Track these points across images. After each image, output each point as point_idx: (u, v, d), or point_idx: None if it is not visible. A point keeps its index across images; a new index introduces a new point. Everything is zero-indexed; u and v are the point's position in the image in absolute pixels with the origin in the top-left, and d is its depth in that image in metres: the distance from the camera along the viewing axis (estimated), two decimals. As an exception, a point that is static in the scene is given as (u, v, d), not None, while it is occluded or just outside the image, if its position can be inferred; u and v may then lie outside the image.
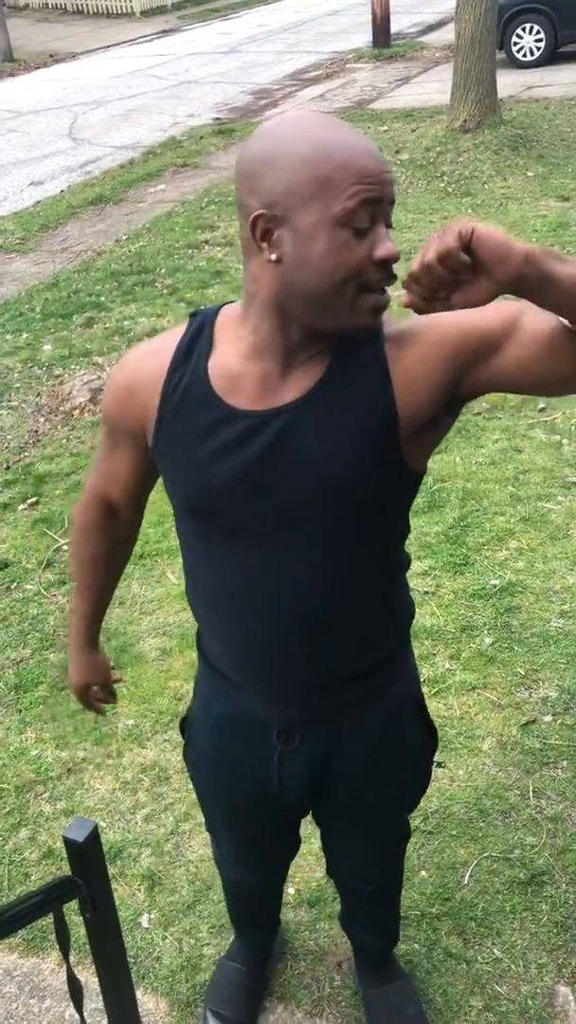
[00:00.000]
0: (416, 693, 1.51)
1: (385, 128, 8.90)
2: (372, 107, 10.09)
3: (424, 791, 1.62)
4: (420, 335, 1.15)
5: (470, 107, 7.88)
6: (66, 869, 2.30)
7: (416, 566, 3.17)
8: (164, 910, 2.19)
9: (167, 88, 12.72)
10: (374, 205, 1.06)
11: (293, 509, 1.16)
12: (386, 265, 1.08)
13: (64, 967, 2.09)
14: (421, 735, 1.53)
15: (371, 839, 1.62)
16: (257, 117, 10.46)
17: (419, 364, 1.14)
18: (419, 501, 3.48)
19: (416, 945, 2.04)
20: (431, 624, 2.90)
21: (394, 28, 13.26)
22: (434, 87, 10.09)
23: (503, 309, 1.11)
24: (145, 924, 2.17)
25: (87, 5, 20.87)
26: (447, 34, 11.76)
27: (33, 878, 2.31)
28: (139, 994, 1.93)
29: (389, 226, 1.10)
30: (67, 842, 1.13)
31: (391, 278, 1.10)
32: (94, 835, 1.13)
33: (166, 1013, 1.99)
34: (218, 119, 10.63)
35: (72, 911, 1.55)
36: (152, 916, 2.18)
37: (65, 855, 2.34)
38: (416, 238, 6.17)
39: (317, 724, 1.39)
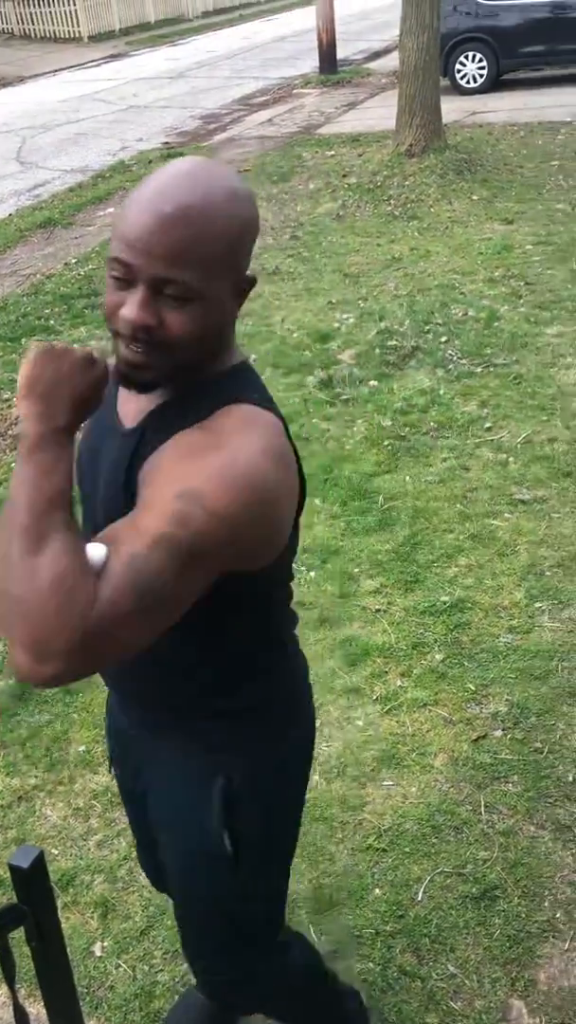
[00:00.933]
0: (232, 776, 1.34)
1: (332, 153, 9.02)
2: (320, 132, 10.22)
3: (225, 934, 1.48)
4: (183, 438, 1.11)
5: (415, 132, 8.02)
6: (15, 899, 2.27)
7: (368, 584, 3.19)
8: (117, 937, 2.16)
9: (115, 112, 12.76)
10: (126, 267, 1.08)
11: None
12: (127, 324, 1.09)
13: (9, 999, 2.06)
14: (216, 824, 1.34)
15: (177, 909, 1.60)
16: (206, 141, 10.54)
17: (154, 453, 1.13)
18: (370, 520, 3.51)
19: (371, 964, 2.04)
20: (383, 642, 2.92)
21: (340, 55, 13.47)
22: (380, 112, 10.25)
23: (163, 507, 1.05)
24: (98, 952, 2.14)
25: (34, 30, 20.88)
26: (392, 61, 11.97)
27: (-17, 909, 2.27)
28: (92, 1024, 1.91)
29: (173, 296, 1.08)
30: (12, 869, 1.12)
31: (131, 340, 1.10)
32: (39, 861, 1.12)
33: (120, 1042, 1.96)
34: (167, 143, 10.69)
35: (18, 941, 1.53)
36: (105, 944, 2.15)
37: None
38: (364, 260, 6.26)
39: None
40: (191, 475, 1.04)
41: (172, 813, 1.42)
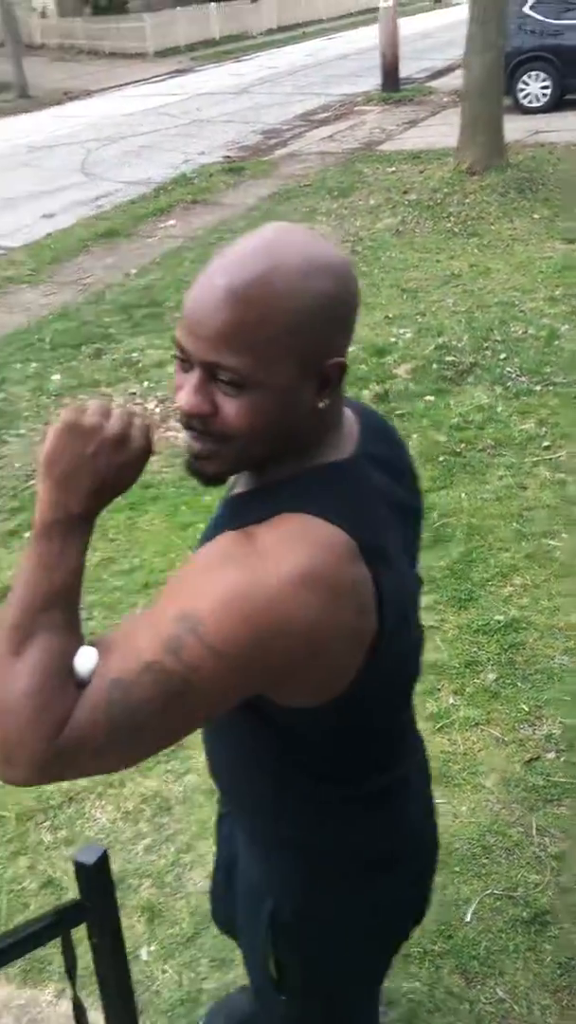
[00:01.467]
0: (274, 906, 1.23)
1: (393, 169, 9.04)
2: (380, 148, 10.25)
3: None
4: (220, 540, 0.98)
5: (477, 150, 8.01)
6: (66, 899, 2.29)
7: (422, 600, 3.17)
8: (164, 942, 2.17)
9: (179, 126, 12.94)
10: (181, 348, 0.99)
11: None
12: (180, 410, 0.99)
13: (61, 996, 2.07)
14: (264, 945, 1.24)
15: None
16: (267, 156, 10.63)
17: None
18: (424, 536, 3.49)
19: (418, 983, 2.02)
20: (435, 659, 2.90)
21: (403, 73, 13.51)
22: (442, 130, 10.26)
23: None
24: (144, 956, 2.15)
25: (102, 46, 21.29)
26: (455, 80, 11.98)
27: (32, 907, 2.29)
28: (138, 1027, 1.91)
29: (226, 381, 0.96)
30: (77, 865, 1.13)
31: (187, 427, 1.01)
32: (104, 859, 1.13)
33: (164, 1048, 1.96)
34: (228, 157, 10.81)
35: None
36: (152, 948, 2.16)
37: (64, 885, 2.33)
38: (423, 276, 6.25)
39: None
40: (200, 593, 0.91)
41: (243, 897, 1.32)
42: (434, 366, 4.85)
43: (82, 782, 2.61)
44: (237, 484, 1.10)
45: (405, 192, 8.13)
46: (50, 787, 2.61)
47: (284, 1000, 1.26)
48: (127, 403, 4.72)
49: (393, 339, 5.26)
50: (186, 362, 0.99)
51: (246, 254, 0.96)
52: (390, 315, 5.62)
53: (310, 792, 1.14)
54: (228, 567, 0.92)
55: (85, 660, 0.90)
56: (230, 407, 0.96)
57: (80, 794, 2.59)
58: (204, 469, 1.02)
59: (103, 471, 0.96)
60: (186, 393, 0.97)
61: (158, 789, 2.58)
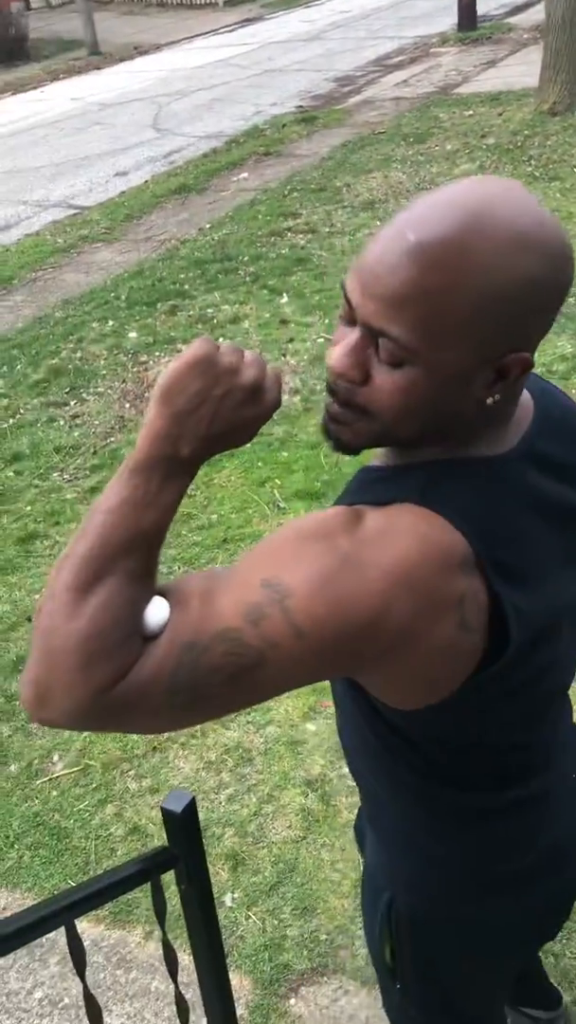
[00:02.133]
0: (391, 898, 1.19)
1: (470, 112, 8.75)
2: (457, 91, 9.92)
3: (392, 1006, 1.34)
4: (334, 511, 0.91)
5: (559, 89, 7.69)
6: (151, 846, 2.34)
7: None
8: (247, 890, 2.21)
9: (249, 77, 12.74)
10: (347, 303, 0.89)
11: None
12: (328, 369, 0.90)
13: (148, 937, 2.12)
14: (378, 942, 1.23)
15: None
16: (340, 104, 10.40)
17: None
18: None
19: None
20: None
21: (480, 10, 13.00)
22: (521, 70, 9.86)
23: None
24: (228, 903, 2.19)
25: (171, -3, 21.02)
26: (536, 15, 11.50)
27: (119, 853, 2.35)
28: (223, 970, 1.95)
29: (387, 351, 0.85)
30: (165, 813, 1.14)
31: (330, 389, 0.91)
32: (191, 807, 1.14)
33: (250, 991, 2.01)
34: (301, 107, 10.61)
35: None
36: (235, 895, 2.20)
37: (150, 832, 2.38)
38: (502, 223, 6.06)
39: None
40: (293, 566, 0.83)
41: (367, 875, 1.30)
42: (515, 315, 4.72)
43: (165, 733, 2.66)
44: (378, 453, 0.99)
45: (483, 136, 7.87)
46: (135, 737, 2.66)
47: (399, 989, 1.23)
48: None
49: (472, 288, 5.13)
50: (346, 318, 0.89)
51: (448, 209, 0.82)
52: (468, 264, 5.48)
53: (424, 795, 1.07)
54: (327, 545, 0.83)
55: (157, 612, 0.82)
56: (383, 380, 0.86)
57: (164, 744, 2.64)
58: (339, 435, 0.92)
59: (227, 417, 0.87)
60: (339, 352, 0.87)
61: (240, 740, 2.61)
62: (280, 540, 0.86)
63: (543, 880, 1.15)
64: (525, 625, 0.90)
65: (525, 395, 0.98)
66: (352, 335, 0.87)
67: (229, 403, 0.87)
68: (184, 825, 1.14)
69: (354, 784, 1.40)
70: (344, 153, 8.19)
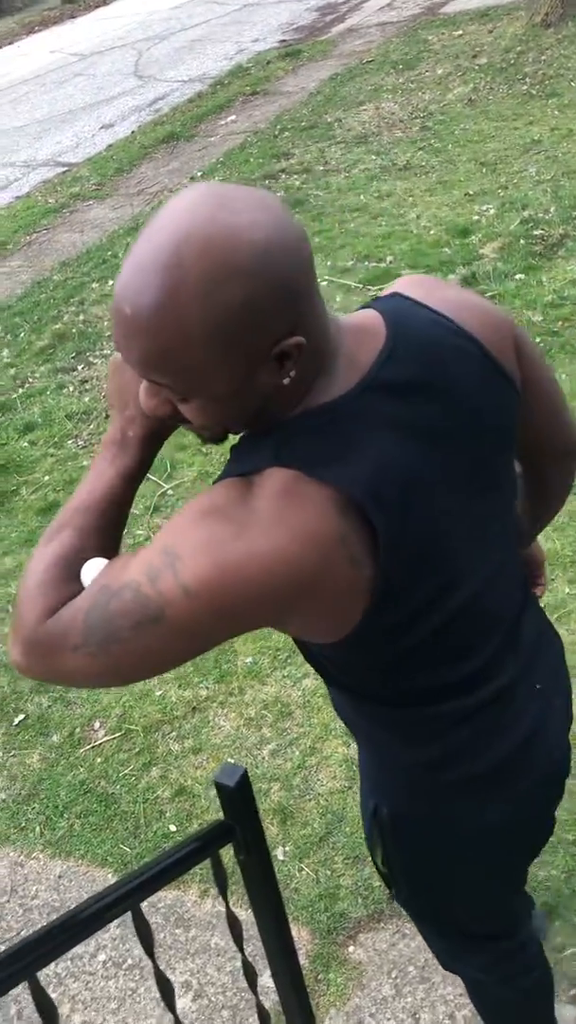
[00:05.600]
0: (372, 799, 1.28)
1: (460, 32, 8.47)
2: (444, 11, 9.59)
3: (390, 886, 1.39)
4: (217, 487, 1.00)
5: (551, -1, 7.42)
6: (199, 806, 2.37)
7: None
8: (298, 842, 2.23)
9: (229, 14, 12.36)
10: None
11: None
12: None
13: (204, 896, 2.16)
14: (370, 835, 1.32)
15: None
16: (324, 35, 10.09)
17: None
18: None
19: (553, 871, 2.03)
20: (548, 548, 2.83)
21: None
22: (509, -18, 9.53)
23: None
24: (281, 857, 2.21)
25: None
26: None
27: (168, 815, 2.38)
28: (282, 924, 1.98)
29: (167, 392, 0.94)
30: (219, 787, 1.14)
31: None
32: (244, 779, 1.14)
33: (308, 941, 2.04)
34: (284, 41, 10.30)
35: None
36: (287, 849, 2.22)
37: (196, 792, 2.40)
38: (501, 146, 5.90)
39: None
40: (186, 536, 0.93)
41: (361, 796, 1.36)
42: (521, 242, 4.60)
43: (203, 692, 2.68)
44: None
45: (475, 56, 7.62)
46: (173, 698, 2.68)
47: (395, 894, 1.35)
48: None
49: (475, 217, 5.00)
50: None
51: (145, 269, 0.87)
52: (470, 192, 5.34)
53: (378, 715, 1.17)
54: (217, 518, 0.93)
55: (91, 569, 0.98)
56: (185, 410, 0.96)
57: (203, 703, 2.65)
58: (200, 435, 1.03)
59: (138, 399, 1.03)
60: (143, 397, 0.98)
61: (278, 694, 2.62)
62: (180, 517, 0.96)
63: (509, 783, 1.20)
64: (412, 544, 0.98)
65: (375, 323, 1.02)
66: (143, 381, 0.97)
67: (134, 387, 1.04)
68: (239, 798, 1.14)
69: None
70: (332, 87, 7.96)
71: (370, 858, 1.40)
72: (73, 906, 2.00)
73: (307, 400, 0.97)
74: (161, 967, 1.34)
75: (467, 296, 1.12)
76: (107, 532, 1.04)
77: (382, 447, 0.96)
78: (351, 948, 2.01)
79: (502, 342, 1.08)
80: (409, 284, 1.11)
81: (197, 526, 0.93)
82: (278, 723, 2.54)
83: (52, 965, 2.01)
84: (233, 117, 8.12)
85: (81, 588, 0.97)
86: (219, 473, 1.01)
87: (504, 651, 1.15)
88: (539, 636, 1.24)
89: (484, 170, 5.63)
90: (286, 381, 0.93)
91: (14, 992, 1.91)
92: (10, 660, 1.01)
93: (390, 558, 0.95)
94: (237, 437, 1.05)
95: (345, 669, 1.13)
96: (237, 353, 0.89)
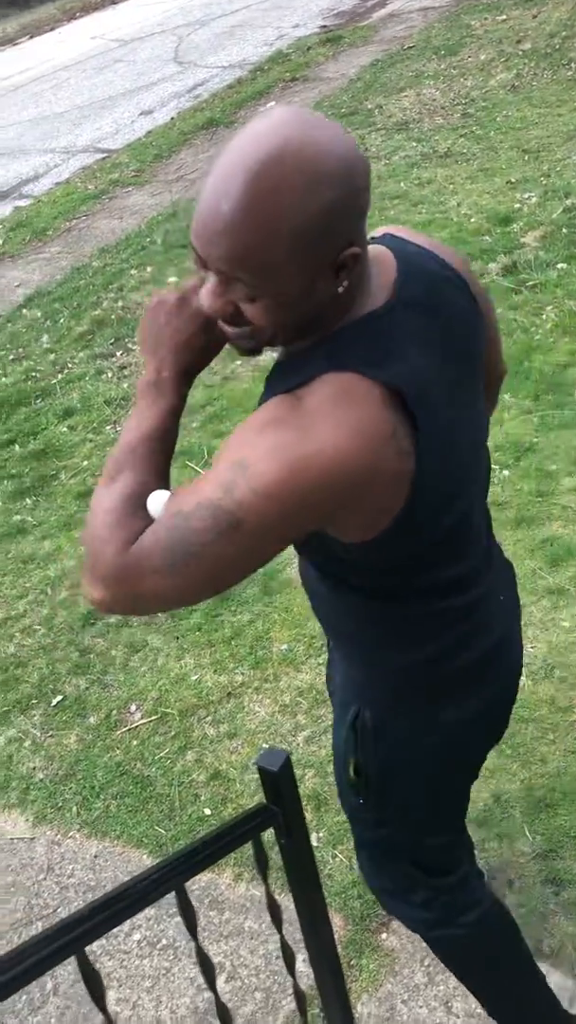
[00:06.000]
0: (355, 711, 1.36)
1: (503, 17, 8.36)
2: (488, -4, 9.48)
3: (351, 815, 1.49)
4: (271, 404, 1.10)
5: (597, -16, 7.31)
6: (234, 790, 2.38)
7: (567, 482, 3.06)
8: (331, 829, 2.24)
9: (270, -1, 12.31)
10: (196, 252, 1.04)
11: None
12: (206, 311, 1.10)
13: (238, 879, 2.17)
14: (342, 745, 1.41)
15: None
16: (365, 20, 10.01)
17: None
18: (567, 414, 3.35)
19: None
20: (551, 582, 2.81)
21: None
22: (555, -34, 9.37)
23: None
24: (314, 843, 2.21)
25: None
26: None
27: (203, 799, 2.40)
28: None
29: (242, 289, 1.03)
30: (261, 771, 1.15)
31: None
32: (287, 764, 1.15)
33: (341, 927, 2.05)
34: (324, 26, 10.23)
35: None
36: (320, 835, 2.23)
37: (231, 776, 2.42)
38: (544, 133, 5.82)
39: None
40: (253, 445, 1.02)
41: (336, 708, 1.47)
42: (564, 231, 4.55)
43: (238, 678, 2.69)
44: (280, 351, 1.17)
45: (519, 42, 7.52)
46: (209, 683, 2.70)
47: (362, 804, 1.40)
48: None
49: (517, 205, 4.95)
50: (202, 262, 1.04)
51: (249, 165, 0.96)
52: (512, 179, 5.29)
53: (375, 615, 1.26)
54: (278, 427, 1.01)
55: (158, 500, 1.06)
56: (248, 310, 1.04)
57: (238, 689, 2.67)
58: (238, 345, 1.11)
59: (177, 331, 1.14)
60: (206, 296, 1.05)
61: (312, 682, 2.62)
62: (238, 435, 1.05)
63: (481, 683, 1.34)
64: (439, 444, 1.08)
65: (385, 253, 1.14)
66: (212, 279, 1.04)
67: (172, 319, 1.14)
68: (281, 783, 1.15)
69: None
70: (373, 73, 7.90)
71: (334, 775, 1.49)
72: (108, 886, 2.03)
73: (351, 313, 1.08)
74: (198, 947, 1.35)
75: (435, 240, 1.25)
76: (162, 467, 1.13)
77: (414, 356, 1.08)
78: (384, 935, 2.02)
79: (471, 276, 1.24)
80: (392, 229, 1.24)
81: (261, 437, 1.02)
82: (312, 710, 2.55)
83: (88, 943, 2.04)
84: (273, 103, 8.09)
85: (151, 520, 1.04)
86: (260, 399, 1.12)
87: (481, 562, 1.30)
88: (500, 556, 1.41)
89: (527, 157, 5.57)
90: (340, 290, 1.03)
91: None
92: (90, 600, 1.07)
93: (426, 452, 1.06)
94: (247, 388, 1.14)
95: (363, 569, 1.19)
96: (311, 256, 0.99)
